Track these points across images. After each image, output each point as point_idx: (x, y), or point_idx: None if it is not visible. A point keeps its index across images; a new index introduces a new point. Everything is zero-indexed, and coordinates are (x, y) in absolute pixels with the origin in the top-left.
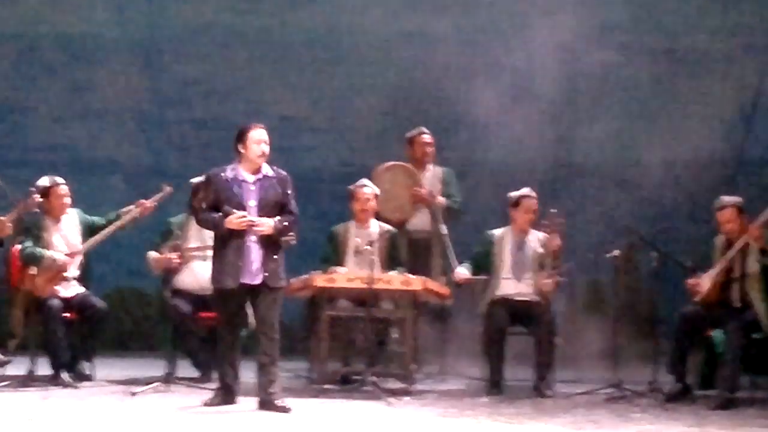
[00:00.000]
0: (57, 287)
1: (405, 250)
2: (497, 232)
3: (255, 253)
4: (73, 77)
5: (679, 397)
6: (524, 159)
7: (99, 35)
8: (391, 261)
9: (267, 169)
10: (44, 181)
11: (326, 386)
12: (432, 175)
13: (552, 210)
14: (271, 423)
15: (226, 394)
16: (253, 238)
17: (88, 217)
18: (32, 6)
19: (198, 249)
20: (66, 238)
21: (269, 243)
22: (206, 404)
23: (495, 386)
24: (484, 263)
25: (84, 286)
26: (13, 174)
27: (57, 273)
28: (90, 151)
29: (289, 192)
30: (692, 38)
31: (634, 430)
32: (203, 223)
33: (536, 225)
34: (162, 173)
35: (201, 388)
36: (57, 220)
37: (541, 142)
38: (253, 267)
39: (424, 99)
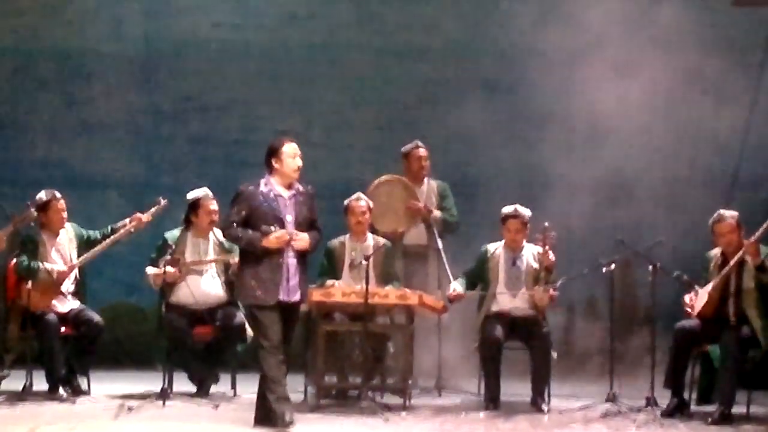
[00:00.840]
0: (53, 302)
1: (401, 264)
2: (491, 246)
3: (292, 269)
4: (69, 92)
5: (676, 411)
6: (519, 173)
7: (95, 50)
8: (386, 275)
9: (298, 184)
10: (42, 196)
11: (323, 401)
12: (427, 189)
13: (545, 224)
14: None
15: (289, 405)
16: (291, 254)
17: (84, 231)
18: (28, 21)
19: (195, 263)
20: (62, 252)
21: (303, 259)
22: (280, 421)
23: (491, 401)
24: (477, 278)
25: (80, 301)
26: (9, 189)
27: (53, 287)
28: (85, 166)
29: (316, 208)
30: (686, 55)
31: None
32: (235, 240)
33: (530, 239)
34: (157, 188)
35: (197, 402)
36: (53, 234)
37: (538, 156)
38: (291, 283)
39: (419, 114)
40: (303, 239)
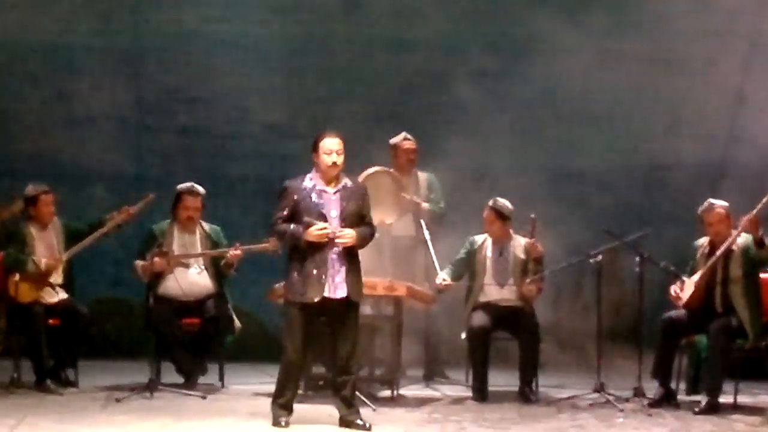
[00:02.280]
0: (40, 294)
1: (389, 255)
2: (479, 238)
3: (338, 265)
4: (57, 86)
5: (663, 402)
6: (507, 163)
7: (82, 44)
8: (374, 266)
9: (346, 180)
10: (31, 189)
11: (310, 392)
12: (416, 181)
13: (532, 215)
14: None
15: (288, 414)
16: (336, 250)
17: (72, 223)
18: (16, 15)
19: (183, 256)
20: (50, 244)
21: (351, 255)
22: (274, 425)
23: (479, 391)
24: (464, 268)
25: (67, 293)
26: None
27: (41, 279)
28: (74, 159)
29: (367, 204)
30: (674, 42)
31: None
32: (279, 235)
33: (517, 230)
34: (145, 181)
35: (185, 393)
36: (41, 227)
37: (528, 146)
38: (337, 280)
39: (407, 105)
40: (348, 235)
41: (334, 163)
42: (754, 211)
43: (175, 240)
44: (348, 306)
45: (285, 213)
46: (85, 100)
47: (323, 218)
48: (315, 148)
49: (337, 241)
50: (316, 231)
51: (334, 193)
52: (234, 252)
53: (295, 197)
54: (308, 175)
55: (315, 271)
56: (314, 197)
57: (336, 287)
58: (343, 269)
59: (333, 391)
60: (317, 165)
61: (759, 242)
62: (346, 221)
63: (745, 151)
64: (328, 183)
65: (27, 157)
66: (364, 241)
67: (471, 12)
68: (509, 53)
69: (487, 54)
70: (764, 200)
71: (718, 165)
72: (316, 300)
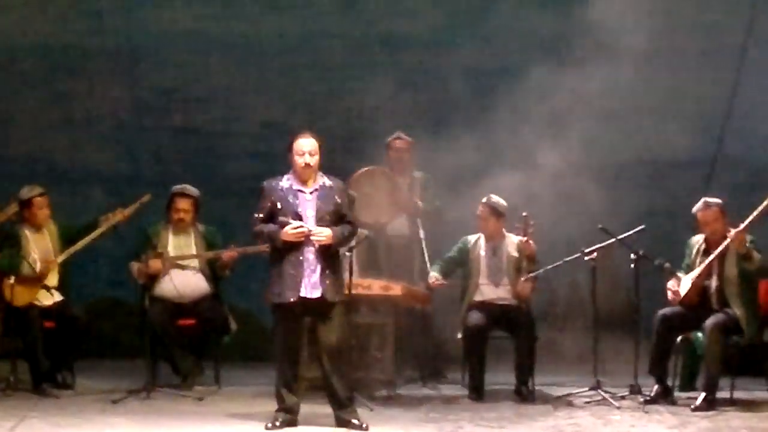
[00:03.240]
0: (36, 296)
1: (384, 255)
2: (472, 237)
3: (314, 265)
4: (51, 87)
5: (660, 398)
6: (499, 159)
7: (77, 45)
8: (369, 266)
9: (324, 179)
10: (25, 192)
11: (306, 392)
12: (411, 179)
13: (524, 213)
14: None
15: (288, 418)
16: (312, 249)
17: (67, 225)
18: (10, 17)
19: (179, 258)
20: (45, 247)
21: (328, 254)
22: (268, 428)
23: (476, 390)
24: (456, 266)
25: (63, 295)
26: None
27: (36, 282)
28: (69, 160)
29: (346, 202)
30: (669, 37)
31: None
32: (258, 236)
33: (510, 228)
34: (141, 181)
35: (182, 395)
36: (37, 229)
37: (522, 142)
38: (312, 280)
39: (402, 102)
40: (323, 234)
41: (307, 164)
42: (740, 228)
43: (170, 241)
44: (327, 306)
45: (263, 214)
46: (81, 100)
47: (299, 218)
48: (290, 149)
49: (312, 239)
50: (291, 230)
51: (311, 192)
52: (229, 253)
53: (272, 198)
54: (286, 176)
55: (291, 271)
56: (290, 198)
57: (312, 287)
58: (319, 269)
59: (326, 392)
60: (293, 166)
61: (744, 256)
62: (323, 220)
63: (739, 146)
64: (304, 183)
65: (22, 158)
66: (342, 239)
67: (461, 5)
68: (503, 50)
69: (481, 50)
70: (751, 217)
71: (712, 160)
72: (292, 300)
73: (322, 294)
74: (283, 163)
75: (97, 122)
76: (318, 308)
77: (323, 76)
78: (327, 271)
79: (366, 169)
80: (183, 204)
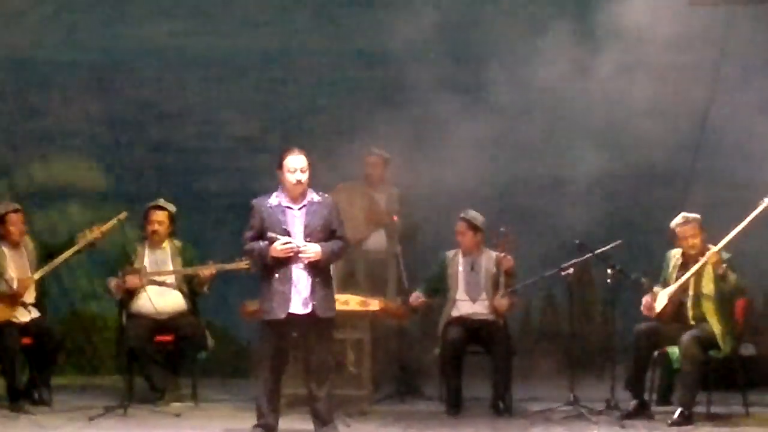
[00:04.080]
0: (13, 313)
1: (361, 270)
2: (450, 253)
3: (303, 282)
4: (26, 101)
5: (637, 414)
6: (477, 175)
7: (51, 59)
8: (346, 281)
9: (312, 195)
10: (0, 207)
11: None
12: (387, 195)
13: (502, 228)
14: None
15: None
16: (301, 265)
17: (44, 242)
18: None
19: (156, 273)
20: (22, 263)
21: (318, 270)
22: None
23: (453, 406)
24: (438, 284)
25: (40, 312)
26: None
27: (13, 299)
28: (45, 175)
29: (336, 218)
30: (644, 52)
31: None
32: (248, 254)
33: (488, 244)
34: (117, 197)
35: (159, 411)
36: (13, 246)
37: (495, 157)
38: (302, 296)
39: (379, 118)
40: (311, 250)
41: (299, 181)
42: (715, 249)
43: (146, 257)
44: (317, 322)
45: (253, 232)
46: (56, 115)
47: (287, 235)
48: (280, 165)
49: (300, 255)
50: (279, 246)
51: (299, 209)
52: (207, 270)
53: (261, 215)
54: (275, 193)
55: (281, 288)
56: (279, 215)
57: (302, 303)
58: (309, 284)
59: (309, 408)
60: (282, 182)
61: (721, 276)
62: (312, 236)
63: (715, 161)
64: (293, 200)
65: None
66: (331, 255)
67: (439, 23)
68: (481, 63)
69: (457, 65)
70: (728, 237)
71: (688, 175)
72: (282, 317)
73: (313, 310)
74: (258, 179)
75: (73, 137)
76: (307, 324)
77: (299, 92)
78: (317, 287)
79: (343, 184)
80: (157, 216)
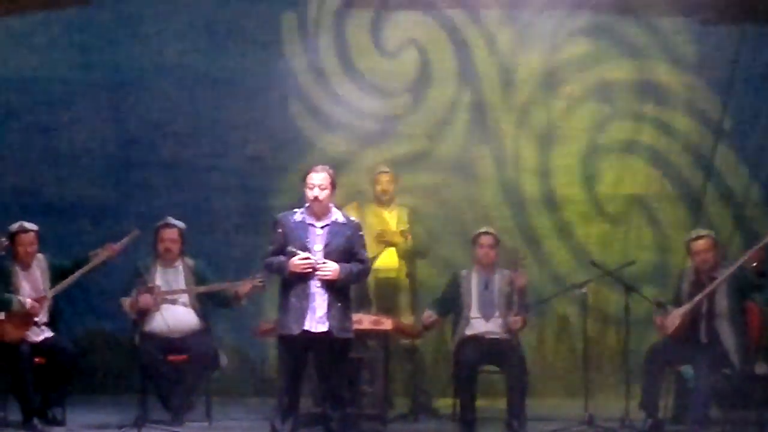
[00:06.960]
0: (26, 332)
1: (373, 289)
2: (463, 271)
3: (320, 299)
4: (37, 120)
5: None
6: (488, 195)
7: (62, 78)
8: (358, 300)
9: (338, 215)
10: (13, 227)
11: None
12: (397, 214)
13: (515, 247)
14: None
15: None
16: (318, 283)
17: (57, 260)
18: None
19: (170, 293)
20: (35, 282)
21: (336, 290)
22: None
23: (467, 425)
24: (450, 303)
25: (53, 331)
26: None
27: (26, 318)
28: (56, 194)
29: (359, 241)
30: (656, 71)
31: None
32: (268, 267)
33: (501, 263)
34: (129, 215)
35: (172, 430)
36: (25, 265)
37: (503, 176)
38: (317, 314)
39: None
40: (329, 268)
41: (316, 198)
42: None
43: (158, 276)
44: (333, 342)
45: (274, 247)
46: (67, 134)
47: (306, 251)
48: (303, 181)
49: (317, 273)
50: (298, 260)
51: (322, 227)
52: (245, 287)
53: (284, 231)
54: (300, 210)
55: (297, 304)
56: (300, 231)
57: (317, 321)
58: (326, 303)
59: (323, 428)
60: (305, 199)
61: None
62: (331, 256)
63: (727, 180)
64: (316, 217)
65: (9, 191)
66: (349, 275)
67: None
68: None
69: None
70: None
71: (700, 195)
72: (295, 333)
73: (329, 329)
74: (268, 198)
75: (84, 156)
76: (323, 343)
77: (310, 111)
78: (334, 307)
79: (354, 203)
80: (169, 234)
